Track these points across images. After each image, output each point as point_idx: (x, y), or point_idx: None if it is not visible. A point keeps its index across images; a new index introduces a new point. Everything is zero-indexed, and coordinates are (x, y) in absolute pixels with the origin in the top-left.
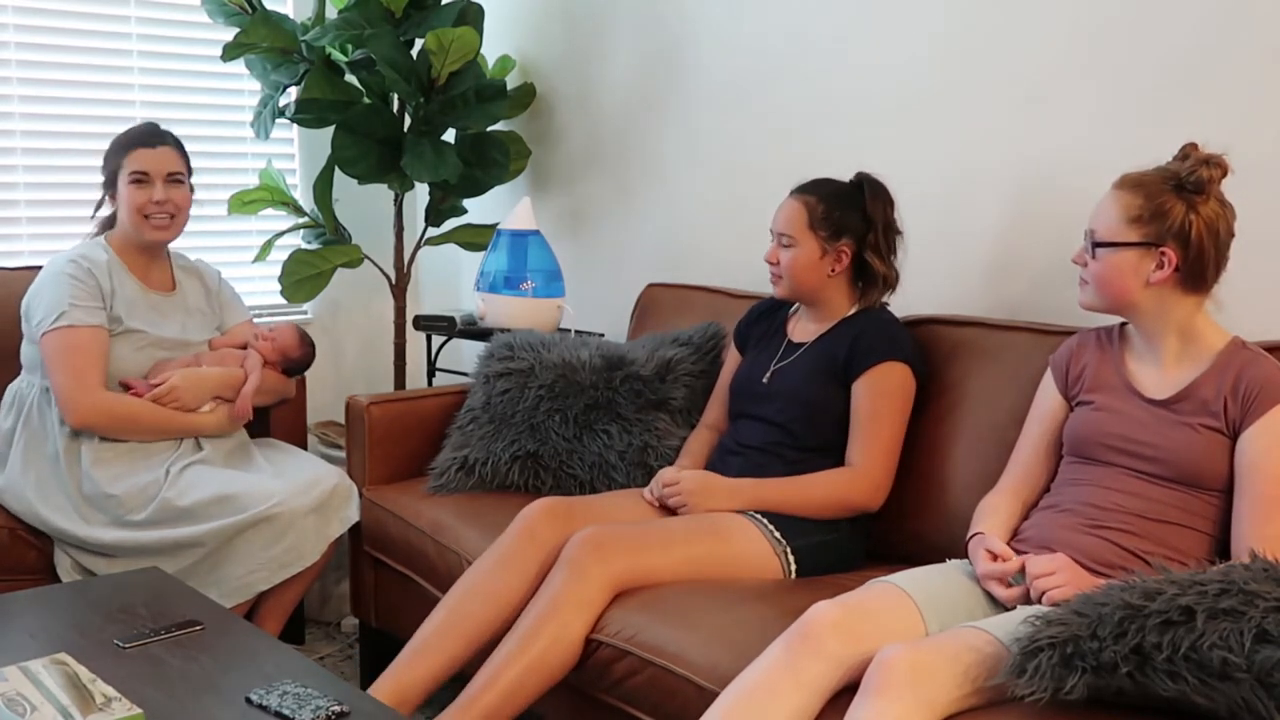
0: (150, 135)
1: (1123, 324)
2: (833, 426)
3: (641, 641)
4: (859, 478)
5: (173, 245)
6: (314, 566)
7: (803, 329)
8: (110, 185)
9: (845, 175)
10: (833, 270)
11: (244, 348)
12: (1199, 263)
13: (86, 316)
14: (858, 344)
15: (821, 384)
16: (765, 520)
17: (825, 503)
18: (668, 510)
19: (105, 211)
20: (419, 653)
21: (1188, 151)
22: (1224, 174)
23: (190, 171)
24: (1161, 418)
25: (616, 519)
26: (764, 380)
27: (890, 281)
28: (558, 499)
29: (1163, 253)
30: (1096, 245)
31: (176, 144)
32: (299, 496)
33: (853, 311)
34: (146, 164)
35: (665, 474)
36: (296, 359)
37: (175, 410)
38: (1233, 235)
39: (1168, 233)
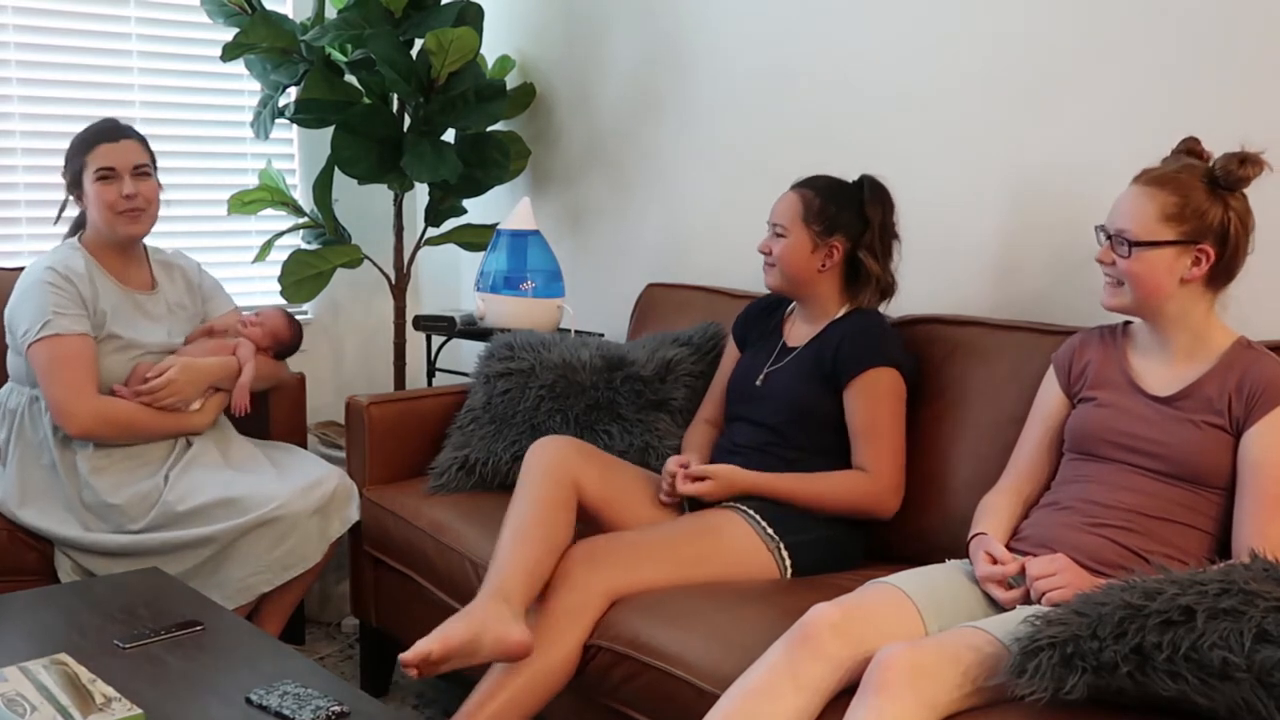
0: (112, 130)
1: (1126, 322)
2: (824, 429)
3: (641, 645)
4: (874, 482)
5: (154, 241)
6: (314, 567)
7: (796, 331)
8: (75, 186)
9: (845, 174)
10: (823, 265)
11: (221, 333)
12: (1233, 259)
13: (71, 324)
14: (842, 350)
15: (811, 388)
16: (757, 517)
17: (838, 501)
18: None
19: (70, 213)
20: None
21: (1190, 146)
22: (1259, 171)
23: (155, 165)
24: (1165, 415)
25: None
26: (757, 383)
27: (885, 285)
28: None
29: (1201, 249)
30: (1134, 244)
31: (139, 137)
32: (301, 498)
33: (841, 313)
34: (112, 159)
35: (693, 469)
36: (287, 340)
37: (169, 409)
38: (1254, 226)
39: (1206, 230)
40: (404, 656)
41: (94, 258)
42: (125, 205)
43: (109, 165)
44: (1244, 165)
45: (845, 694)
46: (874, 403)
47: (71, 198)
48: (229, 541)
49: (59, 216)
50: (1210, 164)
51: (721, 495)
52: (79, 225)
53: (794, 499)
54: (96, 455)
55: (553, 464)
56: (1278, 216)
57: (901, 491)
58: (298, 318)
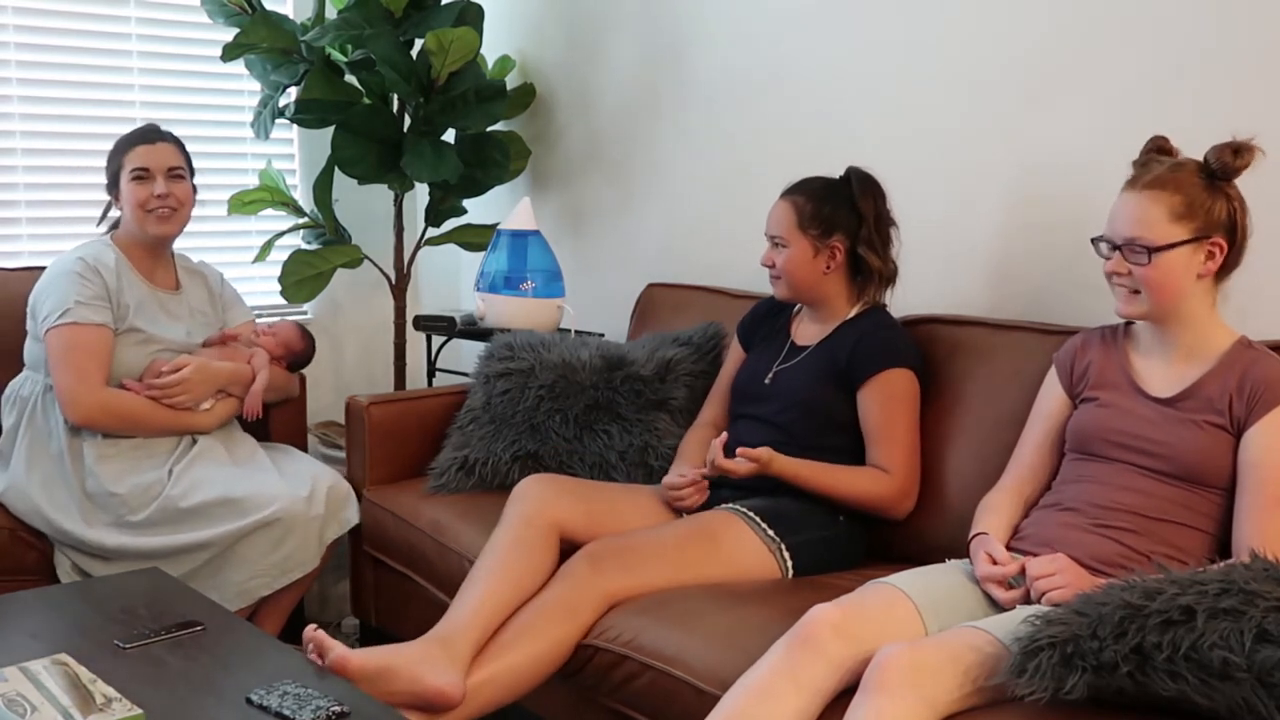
0: (150, 133)
1: (1128, 322)
2: (832, 429)
3: (640, 645)
4: (892, 482)
5: (175, 247)
6: (312, 570)
7: (805, 331)
8: (114, 186)
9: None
10: (827, 267)
11: (235, 340)
12: (1240, 247)
13: (91, 314)
14: (858, 350)
15: (823, 387)
16: (757, 518)
17: (858, 497)
18: (675, 511)
19: (114, 214)
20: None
21: (1160, 144)
22: (1253, 158)
23: (192, 170)
24: (1166, 415)
25: (618, 516)
26: (766, 381)
27: (887, 275)
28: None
29: (1214, 243)
30: (1154, 250)
31: (176, 142)
32: (300, 501)
33: (853, 314)
34: (147, 160)
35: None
36: (300, 352)
37: (178, 406)
38: (1248, 211)
39: (1216, 224)
40: (317, 635)
41: (124, 254)
42: (156, 205)
43: (143, 166)
44: (1239, 155)
45: (846, 695)
46: (890, 404)
47: (111, 199)
48: (227, 545)
49: (102, 217)
50: (1203, 158)
51: (753, 474)
52: (114, 225)
53: (817, 488)
54: (104, 444)
55: (529, 508)
56: (1277, 216)
57: (916, 493)
58: (300, 320)
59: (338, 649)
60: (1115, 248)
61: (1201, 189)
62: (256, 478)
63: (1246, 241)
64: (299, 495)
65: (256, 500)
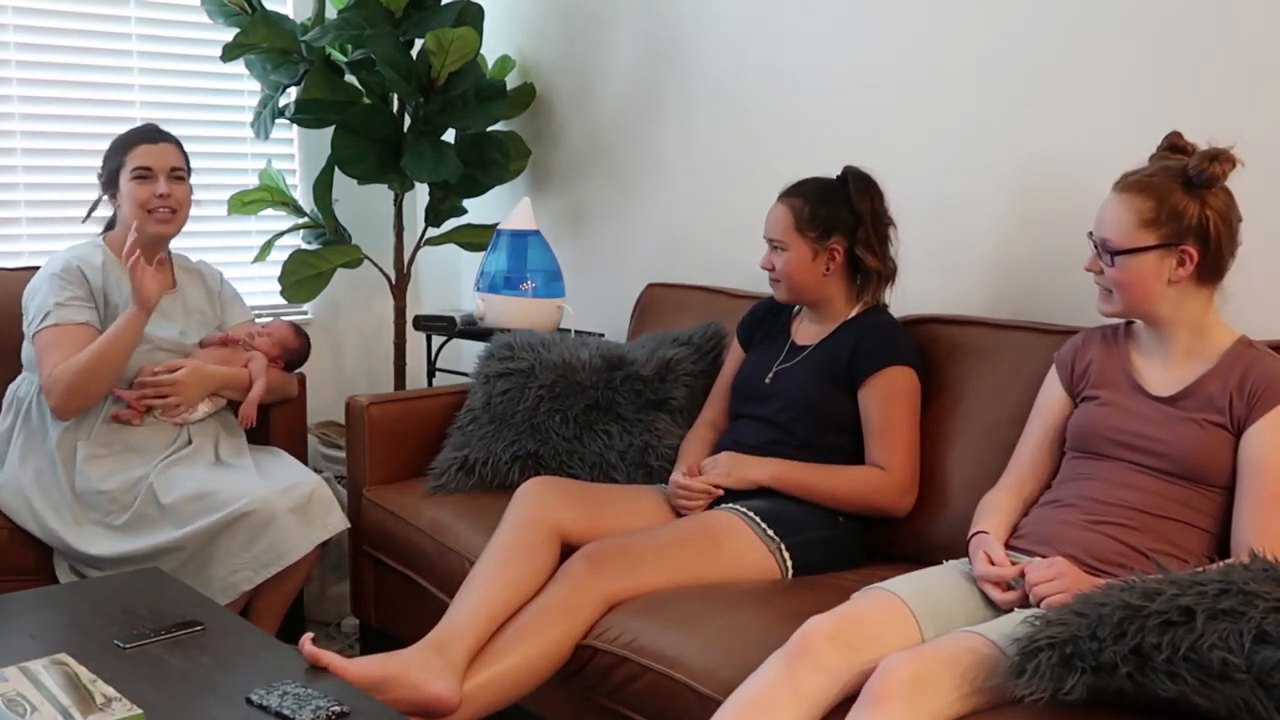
0: (152, 133)
1: (1129, 322)
2: (832, 428)
3: (640, 647)
4: (890, 479)
5: (173, 245)
6: (300, 568)
7: (805, 331)
8: (111, 185)
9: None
10: (827, 269)
11: (237, 343)
12: (1218, 255)
13: (73, 314)
14: (859, 349)
15: (823, 387)
16: (757, 518)
17: (852, 497)
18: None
19: (102, 212)
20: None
21: (1174, 141)
22: (1232, 167)
23: (190, 171)
24: (1167, 413)
25: (620, 516)
26: (766, 381)
27: (886, 274)
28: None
29: (1183, 250)
30: (1116, 253)
31: (177, 142)
32: (277, 495)
33: (853, 314)
34: (150, 159)
35: (702, 466)
36: (296, 351)
37: (168, 408)
38: (1240, 219)
39: (1186, 231)
40: (309, 649)
41: (116, 255)
42: (158, 204)
43: (146, 165)
44: (1214, 163)
45: (846, 704)
46: (891, 401)
47: (106, 196)
48: (207, 540)
49: (89, 215)
50: (1184, 163)
51: (733, 477)
52: (110, 226)
53: (809, 489)
54: (95, 445)
55: (531, 511)
56: (1276, 215)
57: (916, 490)
58: (299, 320)
59: (335, 661)
60: (1096, 246)
61: (1179, 195)
62: (233, 475)
63: (1227, 250)
64: (276, 490)
65: (228, 495)
